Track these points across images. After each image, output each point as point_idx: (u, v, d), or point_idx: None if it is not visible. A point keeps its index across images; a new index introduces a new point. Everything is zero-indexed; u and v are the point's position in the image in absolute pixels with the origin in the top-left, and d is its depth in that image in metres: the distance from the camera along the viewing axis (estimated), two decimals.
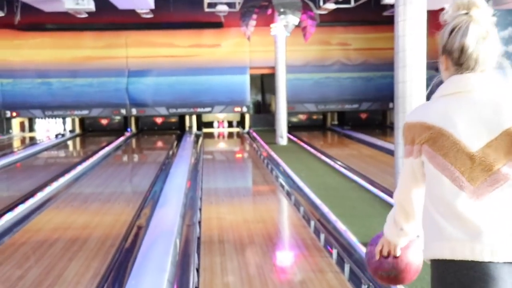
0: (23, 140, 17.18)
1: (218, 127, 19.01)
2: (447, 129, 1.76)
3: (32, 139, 17.26)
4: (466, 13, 1.78)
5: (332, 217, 6.58)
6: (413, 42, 5.15)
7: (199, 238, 6.01)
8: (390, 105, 17.89)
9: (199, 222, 6.68)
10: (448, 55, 1.82)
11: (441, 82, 1.88)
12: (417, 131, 1.83)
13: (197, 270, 4.99)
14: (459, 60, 1.79)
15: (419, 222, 1.93)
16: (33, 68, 17.80)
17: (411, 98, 5.18)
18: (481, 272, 1.69)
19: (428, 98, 1.92)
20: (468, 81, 1.78)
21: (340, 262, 5.00)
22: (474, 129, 1.74)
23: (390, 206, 6.89)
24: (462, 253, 1.72)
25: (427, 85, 5.34)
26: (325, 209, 6.99)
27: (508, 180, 1.73)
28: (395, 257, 2.07)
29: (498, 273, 1.68)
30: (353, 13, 17.38)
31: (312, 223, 6.31)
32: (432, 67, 7.28)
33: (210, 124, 18.98)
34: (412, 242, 2.06)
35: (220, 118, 19.06)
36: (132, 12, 15.02)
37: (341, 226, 6.17)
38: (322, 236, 5.74)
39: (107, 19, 17.21)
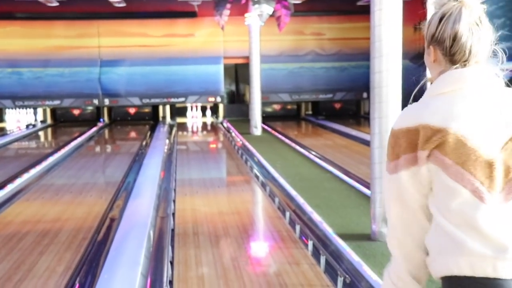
0: None
1: (191, 110, 18.79)
2: (461, 133, 1.54)
3: (2, 129, 16.91)
4: None
5: (308, 208, 6.54)
6: (390, 31, 5.10)
7: (173, 230, 5.92)
8: (364, 95, 17.99)
9: (173, 214, 6.58)
10: (438, 45, 1.63)
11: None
12: (420, 135, 1.57)
13: (171, 263, 4.90)
14: (451, 50, 1.60)
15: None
16: (3, 57, 17.42)
17: (387, 88, 5.14)
18: None
19: (416, 97, 1.70)
20: (468, 76, 1.59)
21: (316, 254, 4.96)
22: (486, 131, 1.55)
23: (365, 196, 6.89)
24: (483, 269, 1.54)
25: (403, 76, 5.31)
26: (300, 200, 6.95)
27: None
28: None
29: None
30: (327, 3, 17.41)
31: (287, 214, 6.26)
32: (406, 57, 7.26)
33: (184, 111, 18.77)
34: None
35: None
36: (105, 1, 14.79)
37: (316, 217, 6.13)
38: (298, 228, 5.69)
39: (79, 8, 16.92)
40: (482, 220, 1.54)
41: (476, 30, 1.59)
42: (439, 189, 1.59)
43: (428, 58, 1.68)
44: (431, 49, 1.66)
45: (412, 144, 1.59)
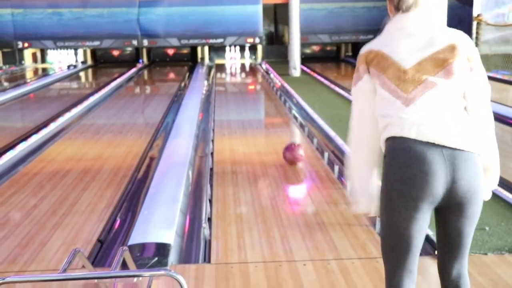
0: (35, 71, 17.07)
1: (230, 51, 18.68)
2: (387, 53, 2.23)
3: (44, 70, 17.15)
4: None
5: (347, 149, 6.46)
6: None
7: (211, 169, 5.97)
8: None
9: (212, 154, 6.62)
10: (390, 1, 2.30)
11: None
12: (366, 57, 2.31)
13: (210, 201, 4.96)
14: (398, 5, 2.26)
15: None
16: None
17: None
18: (408, 145, 2.14)
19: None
20: (406, 19, 2.24)
21: None
22: (409, 52, 2.20)
23: None
24: (395, 131, 2.20)
25: (448, 14, 5.12)
26: (339, 140, 6.92)
27: (434, 86, 2.16)
28: None
29: (424, 150, 2.11)
30: None
31: (326, 154, 6.24)
32: None
33: (222, 52, 18.66)
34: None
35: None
36: None
37: None
38: (336, 168, 5.67)
39: None
40: (397, 111, 2.20)
41: None
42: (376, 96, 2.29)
43: (388, 10, 2.33)
44: (387, 3, 2.32)
45: (360, 64, 2.34)
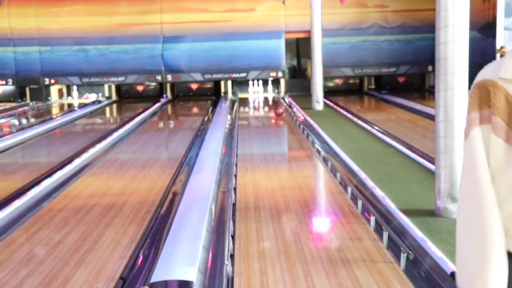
0: (61, 107, 17.35)
1: (253, 85, 18.80)
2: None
3: (69, 105, 17.42)
4: None
5: (370, 183, 6.45)
6: (456, 1, 4.92)
7: (234, 205, 5.95)
8: (429, 68, 17.54)
9: (235, 189, 6.62)
10: None
11: None
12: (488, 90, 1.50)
13: (233, 237, 4.94)
14: None
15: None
16: (70, 35, 17.90)
17: (453, 60, 4.97)
18: None
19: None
20: None
21: (378, 229, 4.89)
22: None
23: (429, 171, 6.74)
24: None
25: (470, 47, 5.11)
26: (362, 175, 6.86)
27: None
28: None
29: None
30: None
31: (349, 189, 6.19)
32: (475, 28, 6.97)
33: (245, 86, 18.81)
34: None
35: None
36: None
37: (379, 192, 6.04)
38: (360, 203, 5.63)
39: None
40: None
41: None
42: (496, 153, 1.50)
43: None
44: None
45: (483, 99, 1.50)
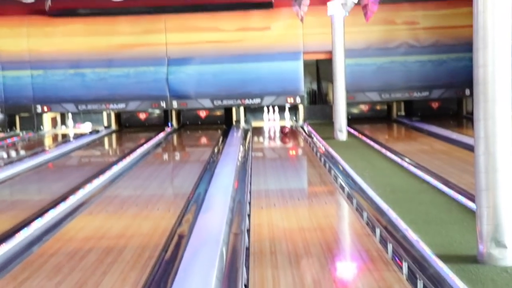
0: (55, 138, 17.49)
1: (268, 112, 18.86)
2: None
3: (64, 136, 17.56)
4: None
5: (401, 224, 6.39)
6: (496, 18, 4.92)
7: (247, 249, 5.92)
8: (467, 92, 17.52)
9: (248, 230, 6.58)
10: None
11: None
12: None
13: (246, 286, 4.89)
14: None
15: None
16: (66, 58, 18.14)
17: (493, 85, 4.94)
18: None
19: None
20: None
21: (412, 278, 4.83)
22: None
23: (469, 211, 6.67)
24: None
25: None
26: (392, 214, 6.81)
27: None
28: None
29: None
30: None
31: (378, 231, 6.13)
32: None
33: (259, 113, 18.88)
34: None
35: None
36: None
37: (412, 235, 5.98)
38: (390, 247, 5.56)
39: (144, 2, 17.38)
40: None
41: None
42: None
43: None
44: None
45: None
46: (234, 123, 18.55)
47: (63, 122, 19.13)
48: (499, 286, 4.58)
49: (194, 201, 8.34)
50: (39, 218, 7.38)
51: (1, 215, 7.91)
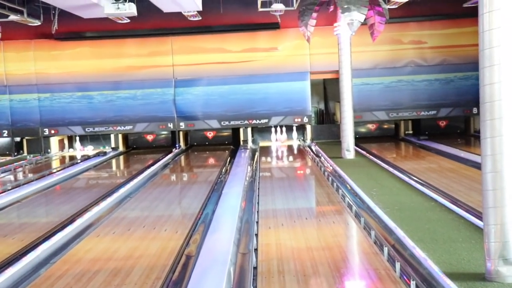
0: (62, 160, 17.56)
1: (276, 132, 18.88)
2: None
3: (71, 158, 17.63)
4: None
5: (409, 242, 6.38)
6: (502, 37, 4.95)
7: (255, 268, 5.92)
8: (474, 110, 17.52)
9: (256, 250, 6.59)
10: None
11: None
12: None
13: None
14: None
15: None
16: (73, 80, 18.28)
17: (500, 103, 4.97)
18: None
19: None
20: None
21: None
22: None
23: (477, 228, 6.66)
24: None
25: None
26: (400, 233, 6.80)
27: None
28: None
29: None
30: (428, 6, 17.10)
31: (386, 249, 6.13)
32: None
33: (267, 133, 18.90)
34: None
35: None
36: (178, 15, 15.17)
37: (419, 253, 5.97)
38: (398, 265, 5.56)
39: (151, 24, 17.49)
40: None
41: None
42: None
43: None
44: None
45: None
46: (241, 143, 18.57)
47: (71, 145, 19.21)
48: None
49: (202, 222, 8.37)
50: (47, 241, 7.41)
51: (8, 238, 7.94)
